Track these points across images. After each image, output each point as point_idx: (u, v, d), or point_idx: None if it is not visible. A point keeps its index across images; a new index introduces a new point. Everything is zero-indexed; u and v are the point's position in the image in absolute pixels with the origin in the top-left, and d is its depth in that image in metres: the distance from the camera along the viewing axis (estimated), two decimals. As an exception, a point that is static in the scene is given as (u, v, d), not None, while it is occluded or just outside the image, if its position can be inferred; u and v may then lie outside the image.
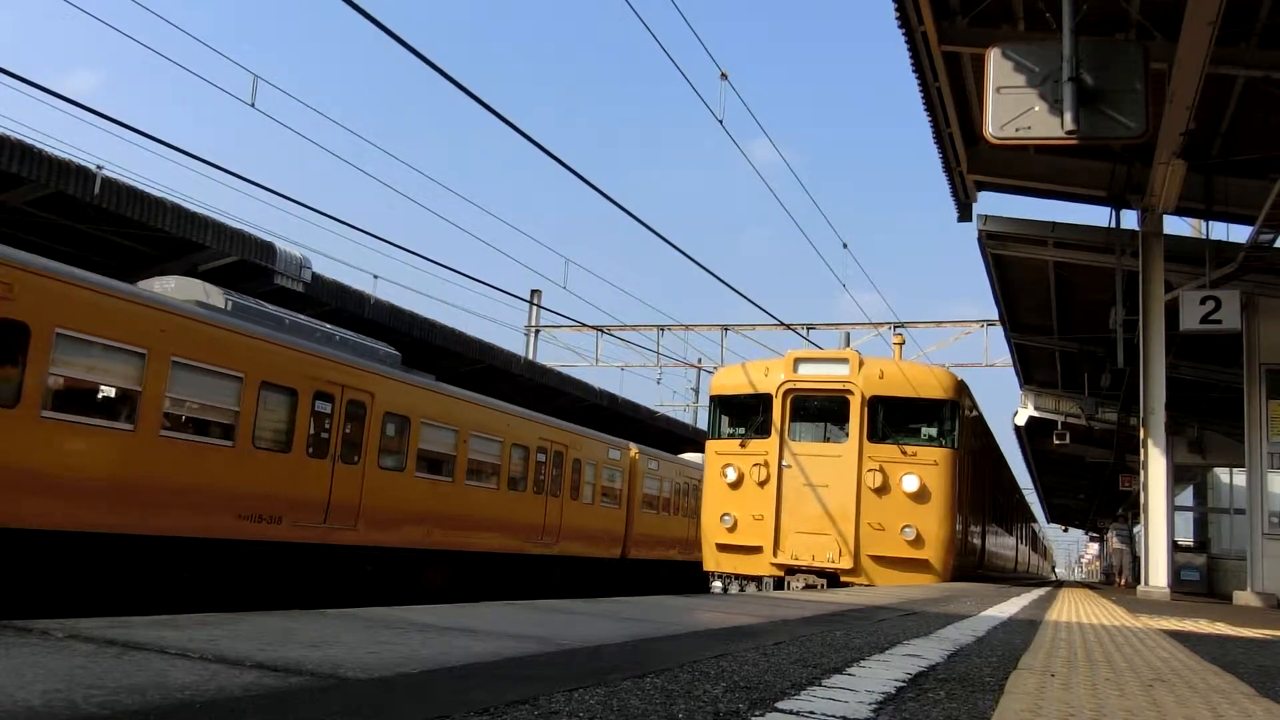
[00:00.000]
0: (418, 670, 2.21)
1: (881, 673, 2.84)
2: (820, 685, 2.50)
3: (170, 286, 12.61)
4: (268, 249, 15.38)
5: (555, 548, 19.79)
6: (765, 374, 14.11)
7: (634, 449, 23.61)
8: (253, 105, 13.73)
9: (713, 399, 14.82)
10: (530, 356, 28.81)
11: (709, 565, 13.94)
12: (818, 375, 13.81)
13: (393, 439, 14.93)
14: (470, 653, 2.58)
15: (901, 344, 17.47)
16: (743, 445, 13.83)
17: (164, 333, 11.18)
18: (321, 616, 3.18)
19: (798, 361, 14.01)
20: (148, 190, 13.62)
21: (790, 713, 2.08)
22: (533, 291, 30.88)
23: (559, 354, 50.71)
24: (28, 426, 9.73)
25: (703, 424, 27.43)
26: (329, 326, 14.61)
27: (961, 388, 13.80)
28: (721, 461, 13.94)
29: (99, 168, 12.92)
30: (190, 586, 11.78)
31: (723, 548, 13.71)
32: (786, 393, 13.71)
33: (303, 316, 14.25)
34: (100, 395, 10.89)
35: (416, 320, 19.29)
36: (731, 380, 14.65)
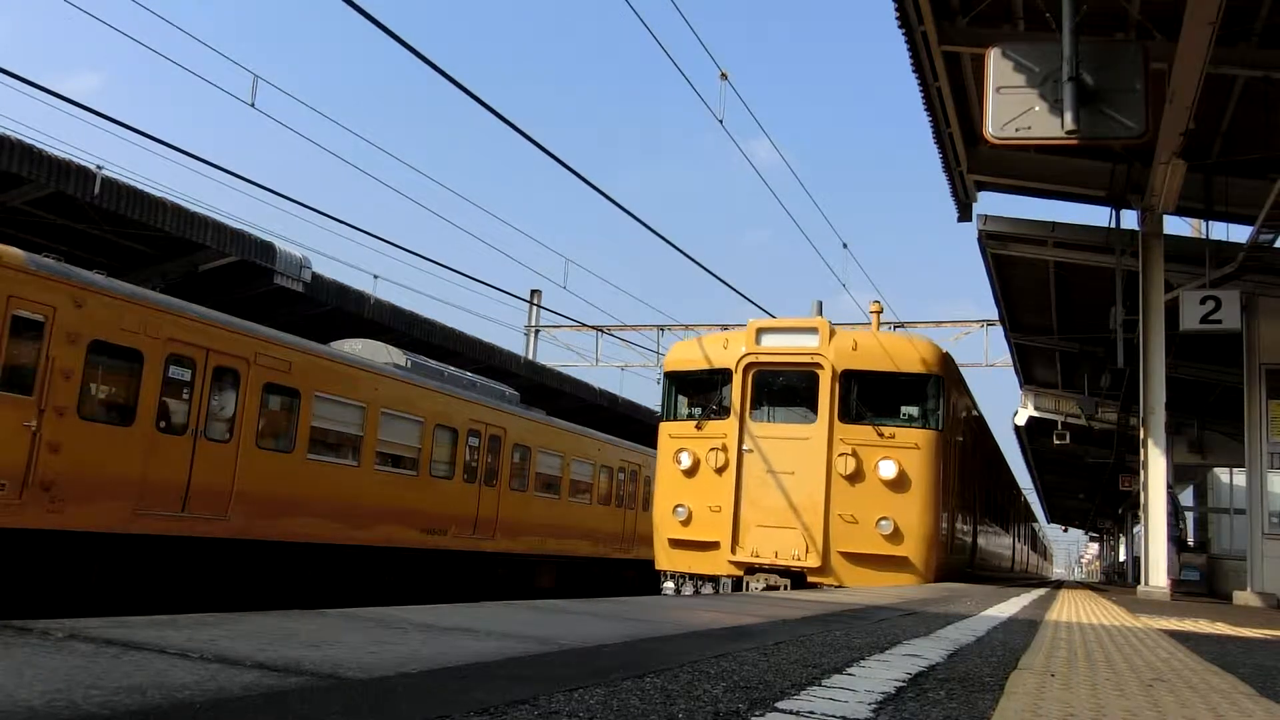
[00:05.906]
0: (418, 670, 2.21)
1: (881, 673, 2.84)
2: (820, 685, 2.50)
3: (358, 349, 15.10)
4: (268, 249, 15.36)
5: (631, 552, 22.77)
6: (724, 346, 12.38)
7: None
8: (253, 105, 13.75)
9: (666, 375, 13.03)
10: (530, 356, 28.79)
11: (660, 564, 12.36)
12: (783, 347, 12.09)
13: (519, 465, 18.16)
14: (470, 653, 2.58)
15: (879, 312, 15.40)
16: (698, 427, 12.20)
17: (377, 390, 14.24)
18: (321, 616, 3.18)
19: (760, 331, 12.22)
20: (148, 190, 13.62)
21: (790, 713, 2.08)
22: (533, 291, 30.86)
23: (559, 354, 50.71)
24: (299, 466, 12.78)
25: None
26: (469, 375, 17.67)
27: (946, 361, 12.20)
28: (675, 446, 12.23)
29: (99, 168, 12.91)
30: (388, 587, 14.53)
31: (676, 543, 12.10)
32: (747, 367, 12.03)
33: (451, 368, 17.25)
34: (338, 440, 13.88)
35: (416, 320, 19.27)
36: (687, 355, 12.98)
